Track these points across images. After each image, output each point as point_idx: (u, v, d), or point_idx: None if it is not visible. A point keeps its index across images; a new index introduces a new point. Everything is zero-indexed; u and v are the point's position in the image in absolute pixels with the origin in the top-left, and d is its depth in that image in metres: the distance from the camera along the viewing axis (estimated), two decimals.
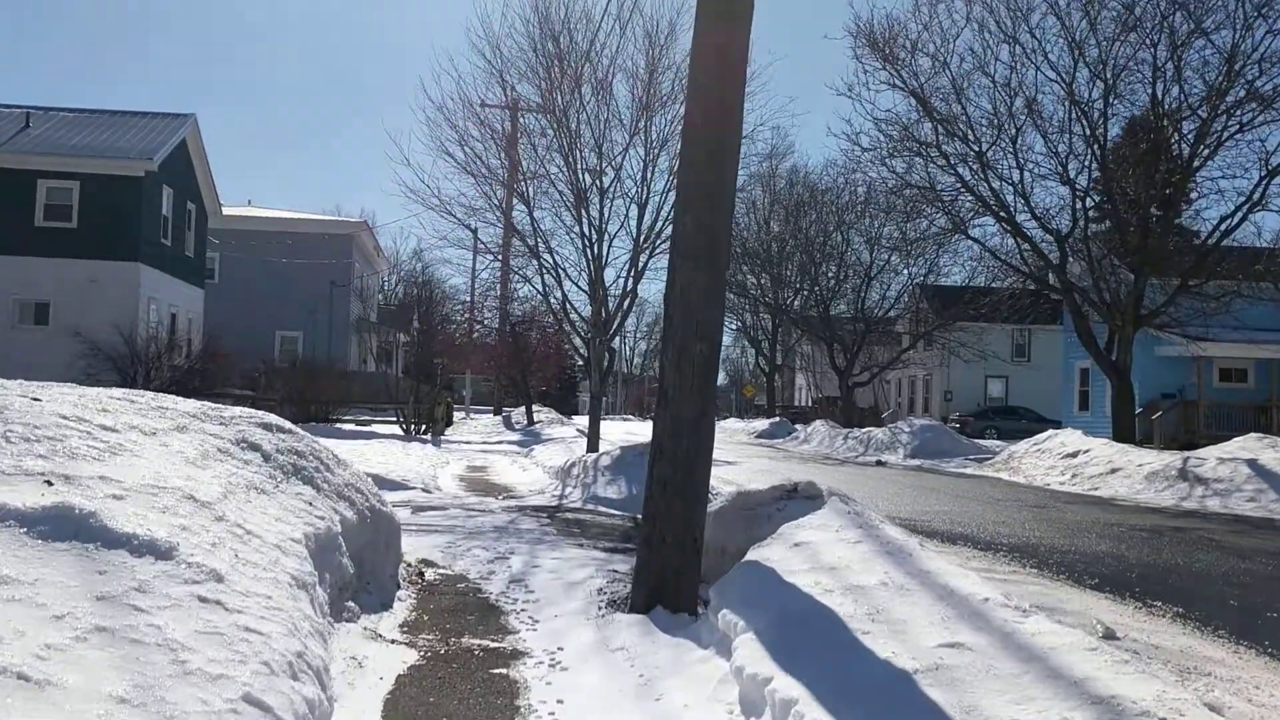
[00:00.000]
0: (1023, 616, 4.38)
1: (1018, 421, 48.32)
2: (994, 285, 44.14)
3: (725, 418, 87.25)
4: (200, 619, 3.71)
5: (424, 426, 29.72)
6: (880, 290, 46.52)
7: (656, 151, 17.75)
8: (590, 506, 12.04)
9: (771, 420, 53.08)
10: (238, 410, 6.72)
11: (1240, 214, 24.84)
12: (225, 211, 52.27)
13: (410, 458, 18.07)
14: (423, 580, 7.16)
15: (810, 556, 5.41)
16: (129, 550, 3.95)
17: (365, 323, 51.12)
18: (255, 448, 6.03)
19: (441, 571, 7.54)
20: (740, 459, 31.17)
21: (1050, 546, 11.56)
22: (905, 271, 44.37)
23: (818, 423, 43.79)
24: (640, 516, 6.84)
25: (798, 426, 49.52)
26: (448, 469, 17.87)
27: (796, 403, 75.35)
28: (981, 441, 35.65)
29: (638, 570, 6.42)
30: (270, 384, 30.96)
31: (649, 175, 17.85)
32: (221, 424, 6.27)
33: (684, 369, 6.36)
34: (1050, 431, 27.24)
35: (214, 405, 6.77)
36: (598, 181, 17.90)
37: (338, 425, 29.00)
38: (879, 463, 30.76)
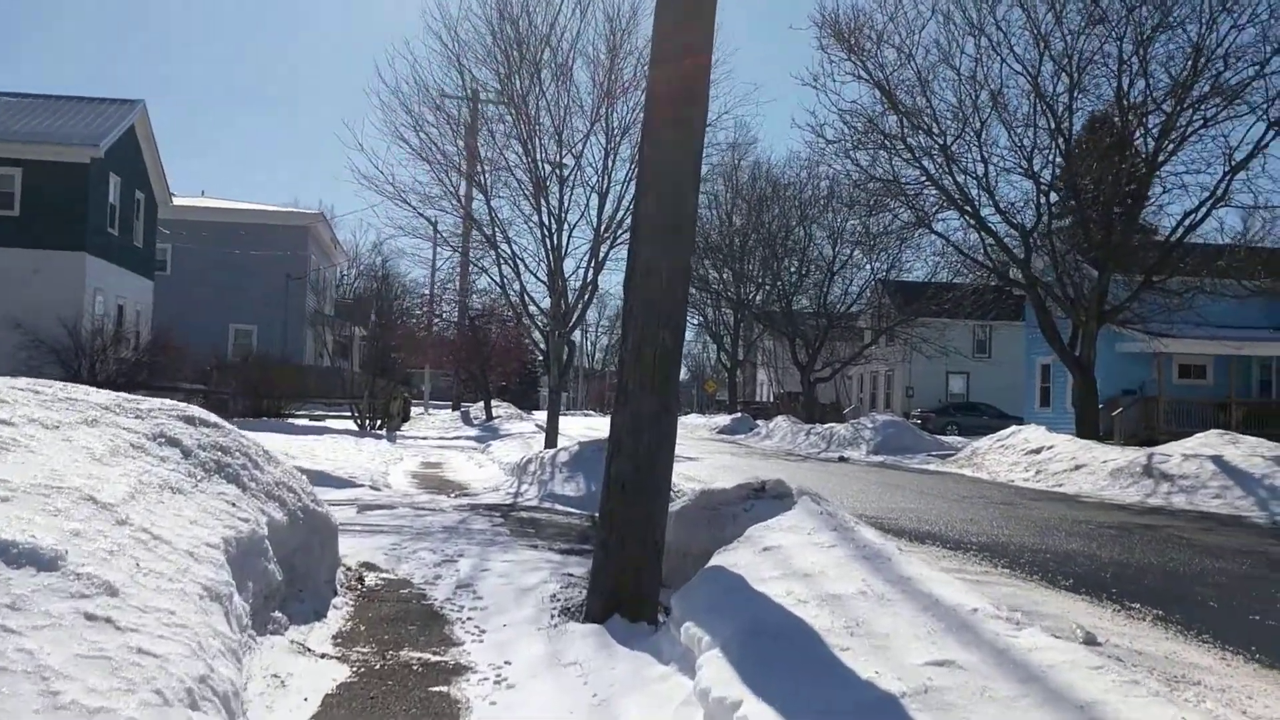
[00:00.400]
0: (1015, 629, 3.97)
1: (979, 418, 48.39)
2: (956, 281, 44.24)
3: (687, 413, 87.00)
4: (84, 640, 3.21)
5: (379, 422, 29.08)
6: (843, 285, 46.36)
7: (618, 139, 17.30)
8: (547, 505, 11.57)
9: (733, 416, 52.80)
10: (158, 402, 6.18)
11: (1204, 209, 24.78)
12: (177, 202, 51.04)
13: (362, 454, 17.49)
14: (362, 586, 6.65)
15: (781, 562, 4.97)
16: (4, 560, 3.44)
17: (322, 316, 50.22)
18: (174, 443, 5.50)
19: (384, 576, 7.03)
20: (702, 455, 30.81)
21: (1020, 545, 11.25)
22: (868, 266, 44.23)
23: (779, 418, 43.54)
24: (597, 516, 6.37)
25: (759, 422, 49.27)
26: (400, 465, 17.31)
27: (758, 398, 75.17)
28: (944, 438, 35.56)
29: (594, 575, 5.96)
30: (223, 378, 30.14)
31: (610, 164, 17.41)
32: (137, 417, 5.73)
33: (645, 359, 5.91)
34: (1013, 428, 27.10)
35: (132, 397, 6.23)
36: (558, 170, 17.41)
37: (290, 420, 28.28)
38: (842, 459, 30.51)
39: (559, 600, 6.38)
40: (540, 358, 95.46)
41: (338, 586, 6.43)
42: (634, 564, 5.74)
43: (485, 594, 6.56)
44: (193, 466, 5.38)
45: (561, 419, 63.30)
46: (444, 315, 39.25)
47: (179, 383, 32.57)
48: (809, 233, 45.57)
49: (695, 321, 71.45)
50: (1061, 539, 11.90)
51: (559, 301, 17.28)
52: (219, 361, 30.48)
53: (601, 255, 17.89)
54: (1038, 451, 24.29)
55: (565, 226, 17.57)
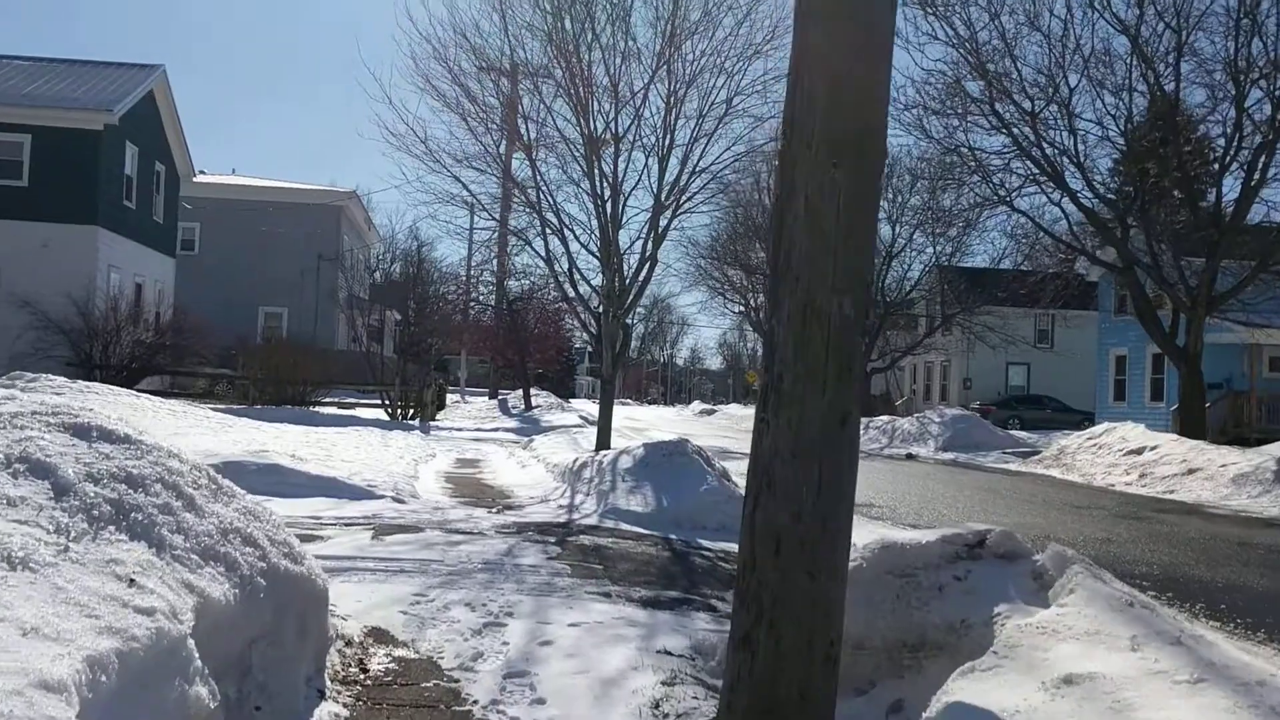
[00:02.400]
0: None
1: (1042, 411, 45.88)
2: (1023, 267, 41.56)
3: (724, 403, 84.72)
4: None
5: (411, 411, 27.03)
6: (900, 270, 43.79)
7: (683, 91, 14.99)
8: (609, 523, 9.35)
9: None
10: (34, 400, 3.96)
11: None
12: (206, 179, 49.56)
13: (389, 450, 15.36)
14: (366, 675, 4.44)
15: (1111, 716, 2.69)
16: None
17: (355, 299, 48.37)
18: (44, 472, 3.30)
19: (399, 654, 4.81)
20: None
21: (1196, 578, 8.87)
22: (931, 249, 41.59)
23: None
24: (735, 590, 4.07)
25: None
26: (432, 464, 15.15)
27: None
28: (1014, 433, 33.01)
29: (731, 685, 3.70)
30: (248, 363, 28.19)
31: (672, 120, 15.10)
32: None
33: (812, 339, 3.66)
34: (1105, 425, 24.61)
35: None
36: (612, 127, 15.14)
37: (315, 410, 26.29)
38: (909, 456, 28.18)
39: (665, 714, 4.14)
40: (578, 344, 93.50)
41: (328, 681, 4.22)
42: (798, 674, 3.50)
43: (549, 691, 4.34)
44: (69, 514, 3.17)
45: (594, 406, 61.03)
46: (480, 298, 37.22)
47: (200, 367, 30.78)
48: None
49: (737, 310, 69.10)
50: (1245, 571, 9.49)
51: (613, 279, 15.03)
52: (241, 345, 28.46)
53: (661, 226, 15.62)
54: (1139, 452, 21.80)
55: (620, 194, 15.31)
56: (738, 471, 16.00)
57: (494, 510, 9.58)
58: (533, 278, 35.10)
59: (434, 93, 15.00)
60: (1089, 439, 24.13)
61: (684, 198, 15.49)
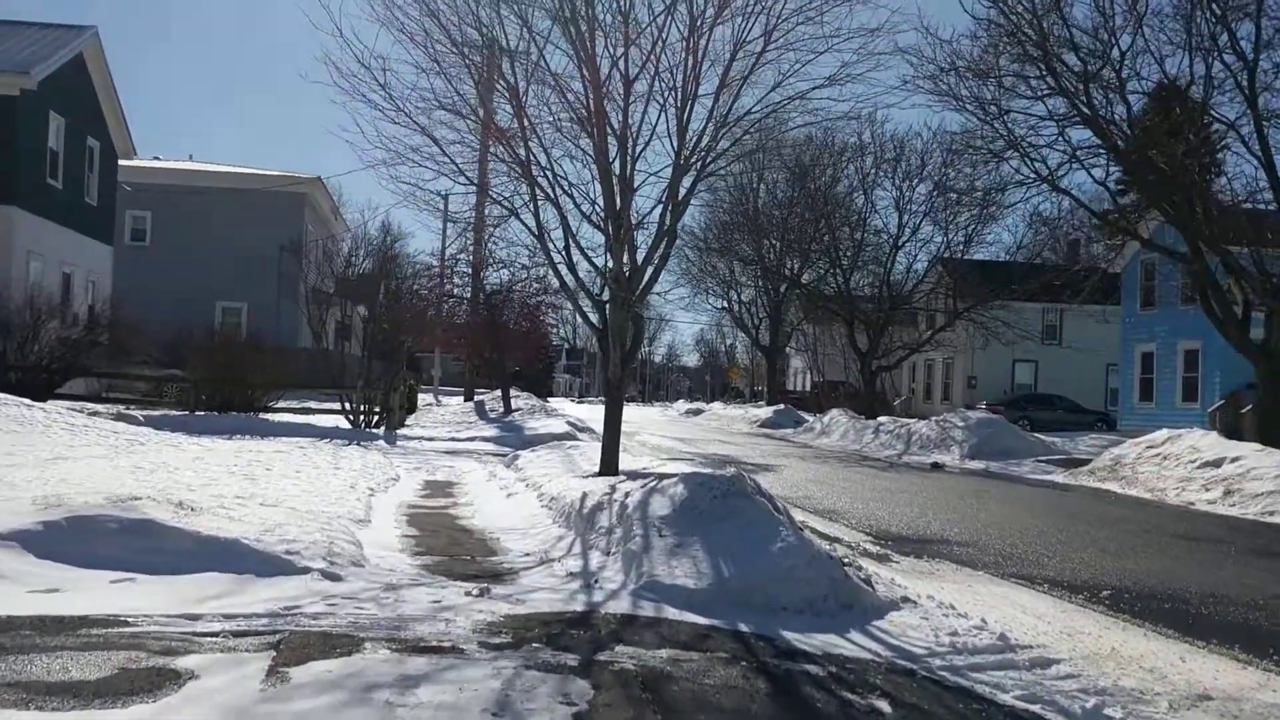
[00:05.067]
0: None
1: (1053, 411, 43.22)
2: (1044, 257, 38.77)
3: (703, 400, 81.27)
4: None
5: (376, 417, 23.78)
6: (906, 261, 40.84)
7: (708, 26, 11.86)
8: (648, 606, 6.22)
9: (775, 408, 47.45)
10: None
11: None
12: (160, 165, 46.09)
13: (339, 474, 12.16)
14: None
15: None
16: None
17: (322, 294, 44.92)
18: None
19: None
20: (765, 459, 25.49)
21: None
22: (942, 238, 38.62)
23: (835, 412, 38.14)
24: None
25: (807, 415, 43.93)
26: (393, 492, 11.95)
27: (791, 387, 69.73)
28: (1044, 438, 30.12)
29: None
30: (190, 364, 24.79)
31: (695, 64, 11.96)
32: None
33: None
34: (1165, 431, 21.66)
35: None
36: (620, 67, 11.99)
37: (265, 418, 23.00)
38: (935, 465, 25.22)
39: None
40: (558, 341, 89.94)
41: None
42: None
43: None
44: None
45: (575, 407, 57.80)
46: (456, 290, 33.95)
47: (139, 369, 27.38)
48: (870, 200, 40.01)
49: (718, 306, 66.20)
50: None
51: (622, 255, 11.89)
52: (184, 341, 25.06)
53: (681, 193, 12.49)
54: (1216, 464, 18.88)
55: (630, 152, 12.17)
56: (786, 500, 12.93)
57: (475, 591, 6.39)
58: (513, 268, 31.92)
59: (395, 23, 11.79)
60: (1149, 447, 21.22)
61: (709, 157, 12.34)
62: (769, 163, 22.83)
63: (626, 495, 8.24)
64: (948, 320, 39.92)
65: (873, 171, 39.38)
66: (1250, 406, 29.41)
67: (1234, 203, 22.21)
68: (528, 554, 8.09)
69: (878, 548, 11.24)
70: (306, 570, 6.26)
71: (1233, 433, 24.19)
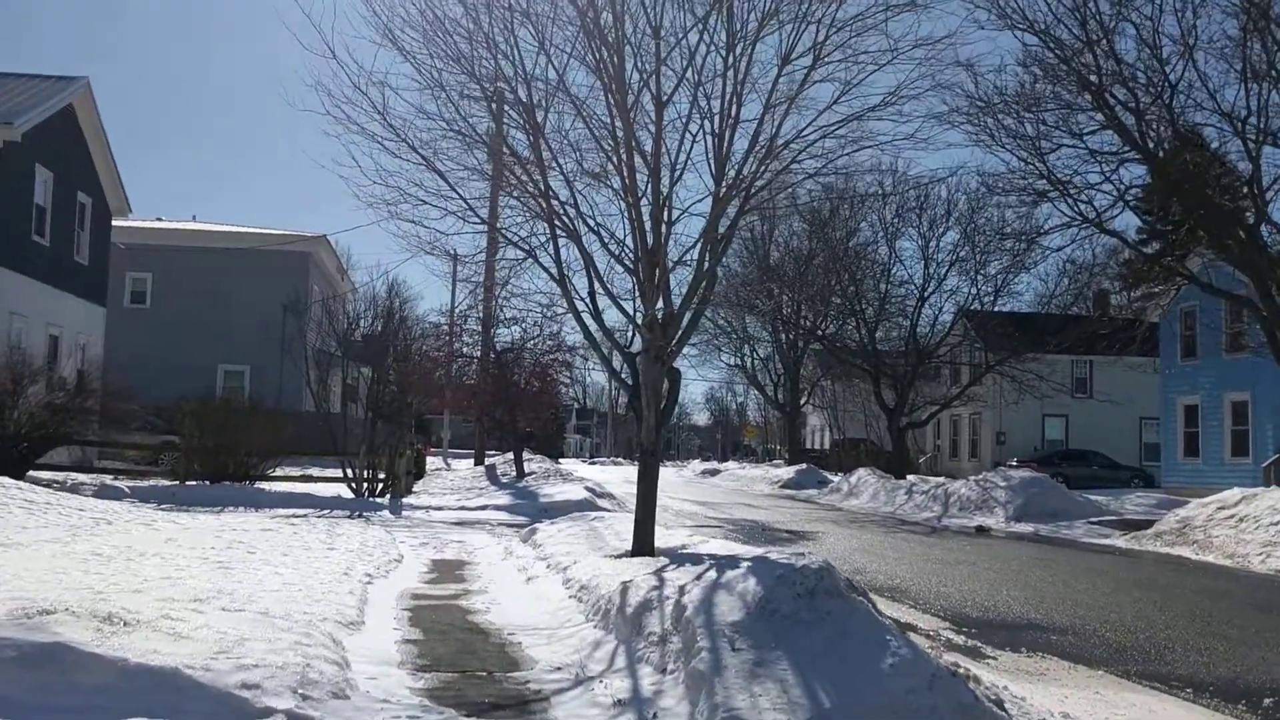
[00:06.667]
0: None
1: (1089, 468, 41.23)
2: (1077, 308, 37.31)
3: (712, 458, 79.40)
4: None
5: (381, 484, 22.14)
6: (932, 314, 39.31)
7: (750, 37, 10.44)
8: None
9: (797, 468, 45.65)
10: None
11: None
12: (162, 225, 45.01)
13: (333, 556, 10.52)
14: None
15: None
16: None
17: (328, 356, 43.53)
18: None
19: None
20: (795, 522, 23.77)
21: None
22: (970, 289, 37.07)
23: (862, 471, 36.36)
24: None
25: (831, 475, 42.12)
26: (395, 578, 10.28)
27: (809, 445, 67.83)
28: (1093, 497, 28.32)
29: None
30: (183, 430, 23.19)
31: (735, 82, 10.51)
32: None
33: None
34: (1236, 491, 19.93)
35: None
36: (651, 87, 10.55)
37: (262, 486, 21.39)
38: (980, 529, 23.50)
39: None
40: (568, 400, 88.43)
41: None
42: None
43: None
44: None
45: (588, 469, 56.01)
46: (465, 348, 32.43)
47: (133, 436, 25.83)
48: (894, 250, 38.56)
49: (729, 363, 64.51)
50: None
51: (655, 298, 10.35)
52: (177, 406, 23.47)
53: (722, 230, 10.99)
54: None
55: (665, 183, 10.68)
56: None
57: None
58: (524, 324, 30.42)
59: (395, 42, 10.39)
60: (1220, 508, 19.47)
61: (752, 189, 10.84)
62: (796, 205, 21.40)
63: (682, 591, 6.59)
64: (978, 374, 38.29)
65: (894, 221, 38.03)
66: None
67: None
68: (558, 668, 6.42)
69: (963, 638, 9.54)
70: (268, 713, 4.62)
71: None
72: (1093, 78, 18.31)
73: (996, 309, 39.21)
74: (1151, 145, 19.01)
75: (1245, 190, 19.64)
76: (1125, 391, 42.13)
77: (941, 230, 36.08)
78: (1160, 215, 21.61)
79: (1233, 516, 18.94)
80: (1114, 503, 28.79)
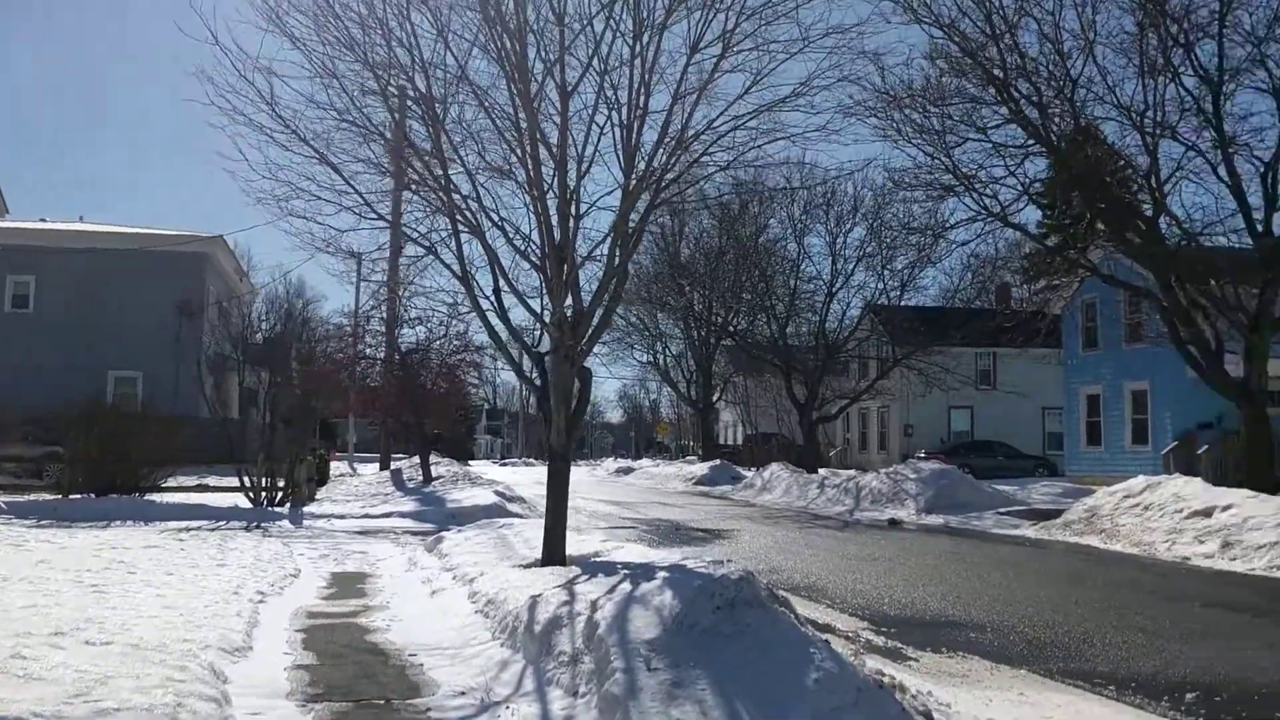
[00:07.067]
0: None
1: (994, 458, 41.94)
2: (980, 302, 37.93)
3: (625, 458, 79.15)
4: None
5: (281, 493, 21.29)
6: (841, 309, 39.57)
7: (662, 16, 10.08)
8: None
9: (710, 464, 45.55)
10: None
11: None
12: (47, 227, 43.04)
13: (223, 574, 9.88)
14: None
15: None
16: None
17: (227, 360, 42.01)
18: None
19: None
20: (707, 520, 23.53)
21: None
22: (878, 283, 37.38)
23: (775, 466, 36.38)
24: None
25: (745, 471, 42.12)
26: (289, 596, 9.68)
27: (722, 441, 67.95)
28: (1001, 488, 28.67)
29: None
30: (65, 439, 22.01)
31: (641, 72, 10.14)
32: None
33: None
34: (1142, 479, 20.25)
35: None
36: (554, 74, 10.12)
37: (153, 498, 20.38)
38: (892, 522, 23.58)
39: None
40: (478, 401, 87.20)
41: None
42: None
43: None
44: None
45: (500, 470, 55.27)
46: (369, 350, 31.57)
47: (14, 448, 24.55)
48: (803, 246, 38.70)
49: (642, 360, 64.29)
50: None
51: (564, 294, 9.93)
52: (57, 414, 22.25)
53: (632, 223, 10.61)
54: (1207, 514, 17.43)
55: (572, 176, 10.26)
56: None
57: None
58: (429, 324, 29.70)
59: (283, 26, 9.79)
60: (1127, 497, 19.76)
61: (663, 182, 10.48)
62: (706, 201, 21.17)
63: (594, 606, 6.18)
64: (886, 368, 38.65)
65: (803, 217, 38.17)
66: (1207, 447, 28.42)
67: (1189, 236, 21.04)
68: (462, 692, 5.96)
69: (882, 639, 9.32)
70: None
71: (1188, 475, 22.93)
72: (997, 72, 18.43)
73: (903, 304, 39.61)
74: (1055, 139, 19.21)
75: (1144, 183, 19.93)
76: (1029, 383, 42.99)
77: (849, 226, 36.34)
78: (1062, 209, 21.78)
79: (1138, 505, 19.22)
80: (1021, 492, 29.21)
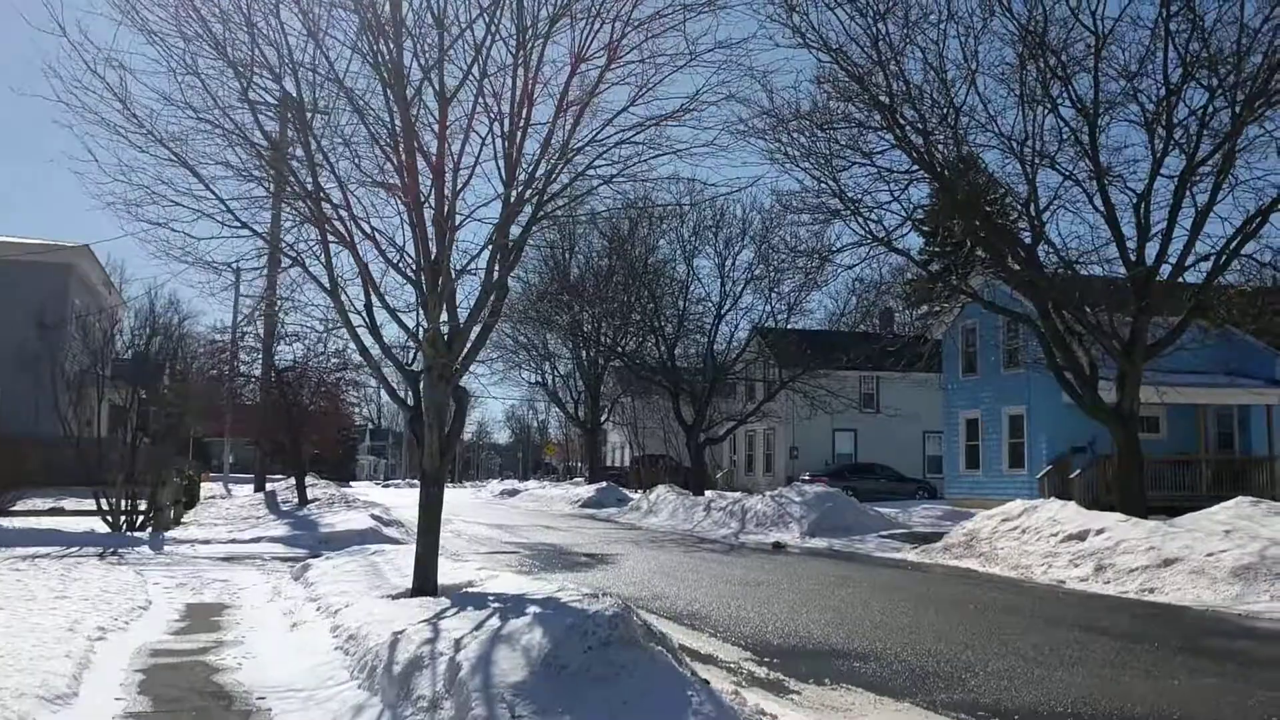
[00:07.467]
0: None
1: (876, 480, 42.47)
2: (865, 326, 38.45)
3: (507, 478, 78.29)
4: None
5: (142, 516, 20.16)
6: (729, 331, 39.71)
7: (545, 25, 9.73)
8: None
9: (597, 486, 45.15)
10: None
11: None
12: None
13: (60, 608, 9.08)
14: None
15: None
16: None
17: (94, 377, 39.91)
18: None
19: None
20: (593, 543, 23.11)
21: None
22: (765, 305, 37.61)
23: (661, 489, 36.16)
24: None
25: (630, 493, 41.84)
26: (135, 631, 8.94)
27: (609, 463, 67.61)
28: (883, 510, 28.93)
29: None
30: None
31: (522, 79, 9.77)
32: None
33: None
34: (1020, 502, 20.53)
35: None
36: (433, 80, 9.67)
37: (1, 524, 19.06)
38: (777, 545, 23.48)
39: None
40: (360, 421, 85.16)
41: None
42: None
43: None
44: None
45: (381, 492, 54.03)
46: (245, 367, 30.38)
47: None
48: (692, 268, 38.76)
49: (530, 380, 63.67)
50: None
51: (439, 310, 9.46)
52: None
53: (511, 237, 10.18)
54: (1081, 538, 17.72)
55: (448, 180, 9.81)
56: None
57: None
58: (305, 340, 28.69)
59: (136, 19, 9.13)
60: (1005, 520, 20.02)
61: (546, 194, 10.11)
62: (595, 220, 20.90)
63: (459, 645, 5.73)
64: (772, 390, 38.86)
65: (692, 239, 38.25)
66: (1080, 470, 29.24)
67: (1066, 264, 21.55)
68: None
69: (765, 669, 9.04)
70: None
71: (1063, 498, 23.46)
72: (884, 98, 18.60)
73: (790, 326, 39.97)
74: (938, 166, 19.47)
75: (1023, 211, 20.34)
76: (911, 406, 43.80)
77: (737, 249, 36.52)
78: (944, 235, 22.11)
79: (1016, 528, 19.47)
80: (902, 515, 29.55)
